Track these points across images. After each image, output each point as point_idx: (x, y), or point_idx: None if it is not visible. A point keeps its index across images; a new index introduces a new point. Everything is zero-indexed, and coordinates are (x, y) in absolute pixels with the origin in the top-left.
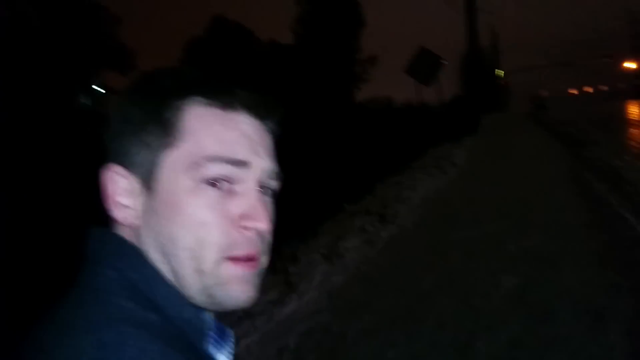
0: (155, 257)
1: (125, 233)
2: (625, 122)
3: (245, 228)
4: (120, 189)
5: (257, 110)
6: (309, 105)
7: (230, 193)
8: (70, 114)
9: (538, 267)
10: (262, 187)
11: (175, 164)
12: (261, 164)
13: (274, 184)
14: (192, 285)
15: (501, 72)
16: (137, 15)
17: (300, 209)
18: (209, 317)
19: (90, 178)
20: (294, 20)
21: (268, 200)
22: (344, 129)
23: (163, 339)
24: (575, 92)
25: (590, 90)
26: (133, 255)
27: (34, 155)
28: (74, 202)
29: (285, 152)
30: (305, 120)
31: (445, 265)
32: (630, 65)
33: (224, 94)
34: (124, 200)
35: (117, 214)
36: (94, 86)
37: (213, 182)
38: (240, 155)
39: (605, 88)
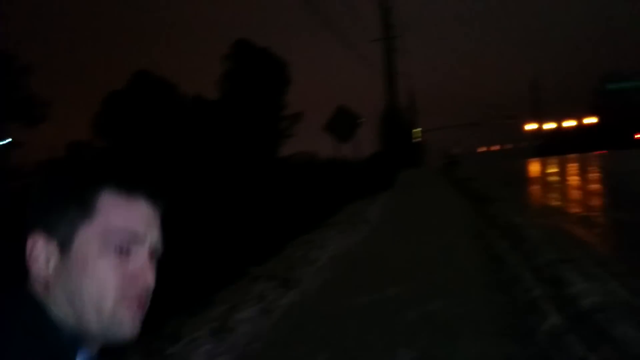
0: (62, 303)
1: (38, 284)
2: (525, 178)
3: (136, 283)
4: (41, 251)
5: (152, 196)
6: (229, 160)
7: (128, 256)
8: None
9: (436, 337)
10: (151, 253)
11: (88, 233)
12: (152, 236)
13: (160, 249)
14: (92, 324)
15: (418, 131)
16: (59, 66)
17: (195, 278)
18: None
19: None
20: (221, 76)
21: (153, 262)
22: (261, 186)
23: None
24: (484, 149)
25: (497, 148)
26: (33, 306)
27: None
28: None
29: (185, 216)
30: (220, 176)
31: (342, 337)
32: (530, 126)
33: (129, 184)
34: (42, 259)
35: (36, 270)
36: None
37: (116, 248)
38: (138, 229)
39: (510, 146)
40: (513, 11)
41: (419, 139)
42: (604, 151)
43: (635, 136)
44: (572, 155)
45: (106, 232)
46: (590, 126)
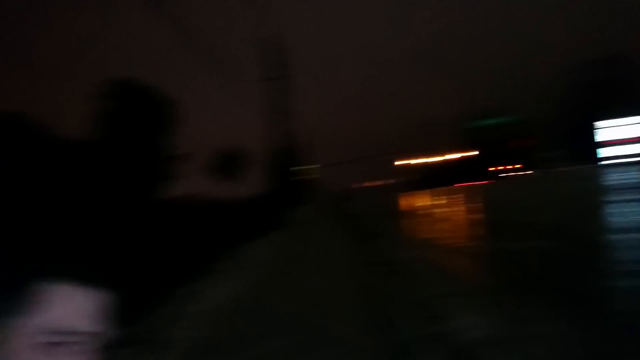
0: None
1: None
2: (405, 212)
3: None
4: None
5: (100, 285)
6: (99, 205)
7: (69, 353)
8: None
9: None
10: (94, 345)
11: (23, 328)
12: (96, 328)
13: (107, 339)
14: None
15: (308, 168)
16: None
17: None
18: None
19: None
20: (97, 116)
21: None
22: (136, 232)
23: None
24: (369, 184)
25: (379, 183)
26: None
27: None
28: None
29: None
30: (87, 222)
31: None
32: (401, 162)
33: (76, 274)
34: None
35: None
36: None
37: (53, 345)
38: (81, 323)
39: (391, 181)
40: (401, 53)
41: (310, 176)
42: (475, 183)
43: (489, 169)
44: (447, 188)
45: (44, 328)
46: (457, 161)
